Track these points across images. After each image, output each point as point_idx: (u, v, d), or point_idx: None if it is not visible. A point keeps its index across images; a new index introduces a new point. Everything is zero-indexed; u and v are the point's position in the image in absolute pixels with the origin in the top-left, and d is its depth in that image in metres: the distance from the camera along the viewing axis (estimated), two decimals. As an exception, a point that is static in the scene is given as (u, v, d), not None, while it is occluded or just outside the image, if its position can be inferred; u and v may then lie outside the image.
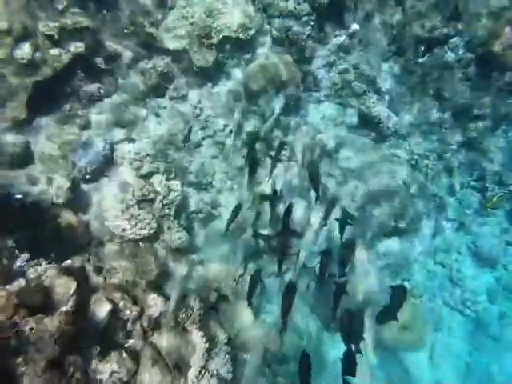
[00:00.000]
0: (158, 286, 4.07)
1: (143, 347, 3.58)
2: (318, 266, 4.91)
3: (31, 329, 2.69)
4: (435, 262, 7.89)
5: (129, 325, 3.57)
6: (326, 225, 5.40)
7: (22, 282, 2.93)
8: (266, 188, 5.64)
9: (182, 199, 5.28)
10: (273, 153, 5.37)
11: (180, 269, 4.36)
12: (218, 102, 5.95)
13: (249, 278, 4.47)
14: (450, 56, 6.69)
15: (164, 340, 3.72)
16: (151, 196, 4.54)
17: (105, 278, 3.76)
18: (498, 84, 6.67)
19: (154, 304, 3.75)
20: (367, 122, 6.56)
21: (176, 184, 5.17)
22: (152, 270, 3.96)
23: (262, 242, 5.92)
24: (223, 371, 3.91)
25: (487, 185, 7.55)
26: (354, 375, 3.73)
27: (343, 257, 5.05)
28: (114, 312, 3.40)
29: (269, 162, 5.18)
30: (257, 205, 5.82)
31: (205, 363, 3.72)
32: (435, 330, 7.54)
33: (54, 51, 4.42)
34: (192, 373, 3.63)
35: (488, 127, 7.08)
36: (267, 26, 6.27)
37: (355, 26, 6.55)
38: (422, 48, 6.71)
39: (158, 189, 4.69)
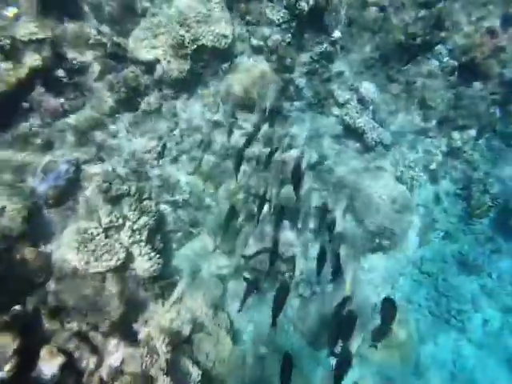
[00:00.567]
0: (123, 326, 3.75)
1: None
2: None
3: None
4: (421, 272, 7.84)
5: (85, 378, 3.20)
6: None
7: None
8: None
9: (158, 219, 4.99)
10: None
11: (151, 302, 4.05)
12: (194, 115, 5.63)
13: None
14: (434, 64, 6.54)
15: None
16: (120, 222, 4.21)
17: (61, 323, 3.41)
18: (482, 93, 6.55)
19: (116, 350, 3.42)
20: (351, 133, 6.35)
21: (149, 205, 4.85)
22: (117, 309, 3.63)
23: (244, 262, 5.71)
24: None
25: (472, 193, 7.47)
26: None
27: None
28: (68, 365, 3.04)
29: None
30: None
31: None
32: (420, 341, 7.50)
33: (7, 65, 4.01)
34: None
35: (472, 136, 6.97)
36: (246, 34, 5.97)
37: (338, 33, 6.30)
38: (406, 56, 6.53)
39: (129, 213, 4.36)
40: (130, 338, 3.68)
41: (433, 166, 6.91)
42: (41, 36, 4.20)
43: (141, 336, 3.70)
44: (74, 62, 4.73)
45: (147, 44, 5.26)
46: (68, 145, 4.62)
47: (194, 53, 5.45)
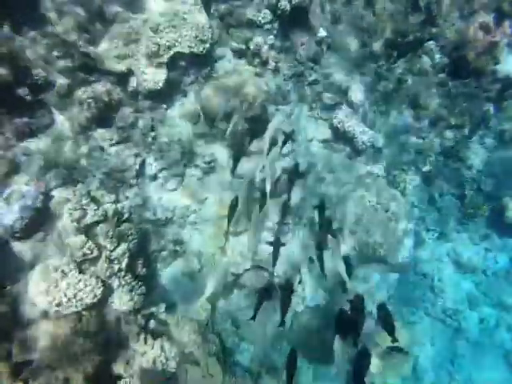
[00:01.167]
0: (100, 377, 3.46)
1: None
2: None
3: None
4: (416, 273, 7.72)
5: None
6: None
7: None
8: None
9: (140, 241, 4.69)
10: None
11: (132, 339, 3.77)
12: (173, 127, 5.28)
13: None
14: (425, 61, 6.25)
15: None
16: (95, 253, 3.89)
17: (25, 381, 3.09)
18: (475, 90, 6.29)
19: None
20: (340, 137, 6.06)
21: (129, 228, 4.55)
22: (91, 360, 3.35)
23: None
24: None
25: (466, 192, 7.30)
26: None
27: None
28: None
29: None
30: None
31: None
32: (417, 343, 7.43)
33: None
34: None
35: (465, 134, 6.74)
36: (226, 37, 5.59)
37: (323, 32, 5.95)
38: (395, 53, 6.22)
39: (106, 242, 4.04)
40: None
41: (426, 167, 6.68)
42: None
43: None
44: (37, 77, 4.33)
45: (119, 53, 4.87)
46: (35, 169, 4.25)
47: (171, 60, 5.08)
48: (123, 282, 4.03)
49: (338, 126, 5.93)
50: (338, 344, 4.58)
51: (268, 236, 5.18)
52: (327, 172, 5.93)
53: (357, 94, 6.07)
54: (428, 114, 6.46)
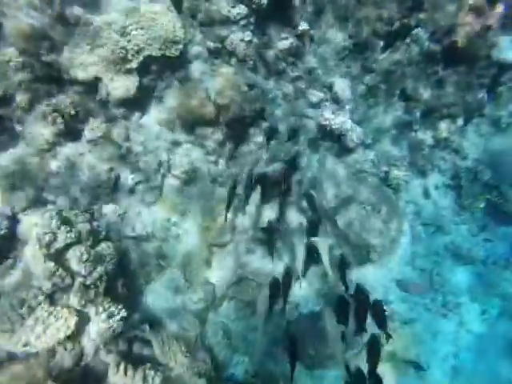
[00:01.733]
0: None
1: None
2: None
3: None
4: (413, 269, 7.52)
5: None
6: None
7: None
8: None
9: (119, 260, 4.44)
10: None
11: (111, 370, 3.53)
12: (149, 136, 4.97)
13: None
14: (414, 49, 5.90)
15: None
16: (67, 281, 3.64)
17: None
18: (468, 78, 5.97)
19: None
20: (327, 136, 5.76)
21: (107, 247, 4.29)
22: None
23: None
24: None
25: (462, 183, 7.04)
26: None
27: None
28: None
29: None
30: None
31: None
32: (418, 341, 7.29)
33: None
34: None
35: (459, 124, 6.45)
36: (200, 36, 5.23)
37: (304, 25, 5.59)
38: (382, 43, 5.87)
39: (79, 267, 3.78)
40: None
41: (420, 161, 6.41)
42: None
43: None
44: (-6, 92, 4.01)
45: (84, 60, 4.52)
46: (-2, 192, 3.97)
47: (142, 65, 4.74)
48: (101, 309, 3.77)
49: (325, 123, 5.63)
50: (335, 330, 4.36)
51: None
52: (315, 172, 5.66)
53: (343, 89, 5.76)
54: (419, 106, 6.15)
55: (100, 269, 3.98)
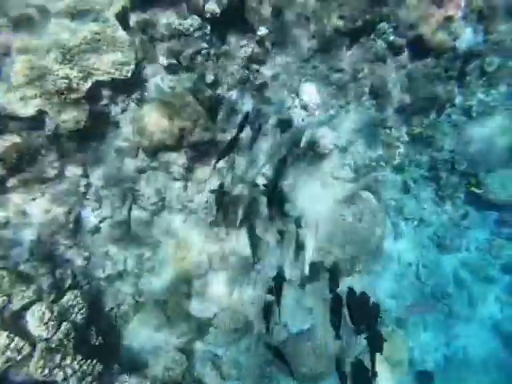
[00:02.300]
0: None
1: None
2: None
3: None
4: (400, 264, 7.47)
5: None
6: None
7: None
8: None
9: (90, 306, 4.10)
10: None
11: None
12: (110, 167, 4.59)
13: None
14: (380, 45, 5.67)
15: None
16: (27, 350, 3.28)
17: None
18: (436, 70, 5.79)
19: None
20: (299, 144, 5.50)
21: (74, 297, 3.94)
22: None
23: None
24: None
25: (440, 174, 6.97)
26: None
27: None
28: None
29: None
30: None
31: None
32: (409, 334, 7.32)
33: None
34: None
35: (432, 117, 6.31)
36: (153, 52, 4.83)
37: (263, 30, 5.26)
38: (347, 41, 5.62)
39: (40, 330, 3.43)
40: None
41: (396, 159, 6.25)
42: None
43: None
44: None
45: (23, 94, 4.07)
46: None
47: (90, 92, 4.32)
48: (70, 372, 3.45)
49: (294, 131, 5.37)
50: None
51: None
52: (291, 182, 5.41)
53: (310, 92, 5.49)
54: (391, 102, 5.96)
55: (66, 325, 3.64)
